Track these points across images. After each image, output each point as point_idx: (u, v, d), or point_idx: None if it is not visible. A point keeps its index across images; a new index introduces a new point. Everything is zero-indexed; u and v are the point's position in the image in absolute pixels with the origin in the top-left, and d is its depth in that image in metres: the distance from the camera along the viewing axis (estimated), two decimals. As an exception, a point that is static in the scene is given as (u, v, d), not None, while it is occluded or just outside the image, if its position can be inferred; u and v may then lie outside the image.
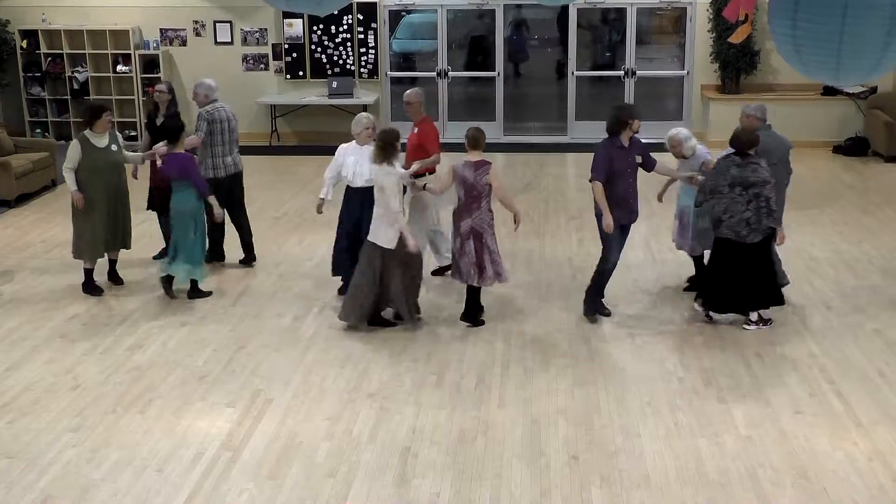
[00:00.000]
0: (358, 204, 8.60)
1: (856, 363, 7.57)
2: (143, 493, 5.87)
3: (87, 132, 8.92)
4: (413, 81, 16.94)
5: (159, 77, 15.62)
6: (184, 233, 8.90)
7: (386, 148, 7.96)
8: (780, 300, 8.20)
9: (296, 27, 15.90)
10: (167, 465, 6.19)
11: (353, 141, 8.74)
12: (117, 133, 9.29)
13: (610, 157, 8.00)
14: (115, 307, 8.86)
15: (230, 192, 9.67)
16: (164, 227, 10.04)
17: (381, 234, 7.98)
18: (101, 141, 8.90)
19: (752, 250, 7.94)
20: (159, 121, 9.83)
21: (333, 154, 8.85)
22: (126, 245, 9.35)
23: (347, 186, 8.72)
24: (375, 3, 15.75)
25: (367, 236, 8.12)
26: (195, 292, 9.03)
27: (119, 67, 15.93)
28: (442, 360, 7.66)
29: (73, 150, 8.87)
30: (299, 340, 8.11)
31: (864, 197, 12.40)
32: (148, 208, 10.02)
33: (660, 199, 9.27)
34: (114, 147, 9.00)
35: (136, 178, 10.05)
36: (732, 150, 8.01)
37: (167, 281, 9.02)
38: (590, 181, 8.11)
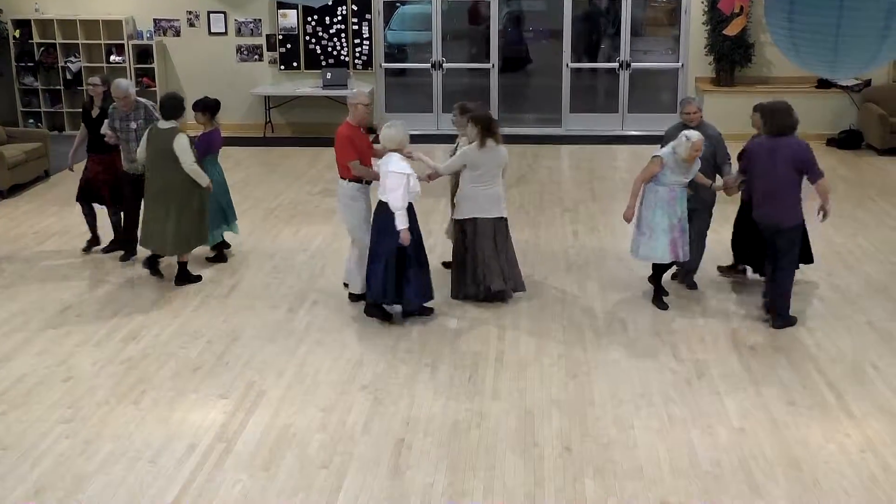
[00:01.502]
0: (415, 217, 8.16)
1: (848, 355, 7.58)
2: (136, 485, 5.86)
3: (178, 124, 8.91)
4: (407, 73, 16.98)
5: (153, 68, 15.61)
6: (230, 197, 9.79)
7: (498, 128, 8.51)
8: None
9: (290, 18, 15.86)
10: (160, 456, 6.18)
11: (397, 155, 7.93)
12: None
13: None
14: (108, 298, 8.84)
15: (138, 186, 9.44)
16: (113, 217, 10.07)
17: (503, 206, 8.54)
18: None
19: None
20: (94, 112, 9.92)
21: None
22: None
23: (410, 205, 7.96)
24: (370, -6, 15.74)
25: (492, 215, 8.43)
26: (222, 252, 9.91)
27: (112, 58, 15.89)
28: (436, 352, 7.65)
29: (187, 142, 8.77)
30: (293, 332, 8.10)
31: (857, 190, 12.42)
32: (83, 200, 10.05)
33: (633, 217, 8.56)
34: None
35: (72, 171, 10.37)
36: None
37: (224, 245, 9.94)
38: (818, 181, 7.77)
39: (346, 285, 8.85)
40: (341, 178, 8.38)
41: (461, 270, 8.59)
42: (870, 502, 5.64)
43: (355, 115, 8.33)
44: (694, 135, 8.09)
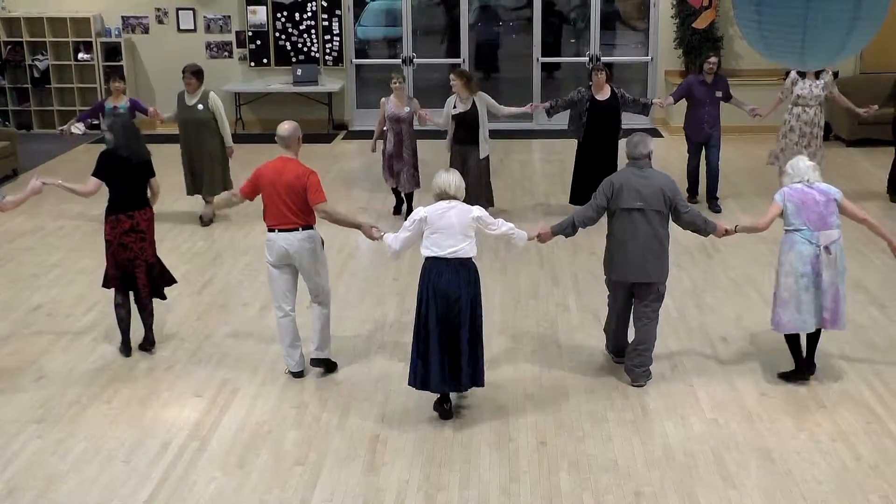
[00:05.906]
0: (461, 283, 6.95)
1: (819, 345, 7.63)
2: (109, 484, 5.83)
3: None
4: (378, 68, 16.94)
5: (122, 65, 15.48)
6: None
7: None
8: None
9: (260, 14, 15.78)
10: (134, 455, 6.14)
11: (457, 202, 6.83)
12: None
13: None
14: (79, 297, 8.77)
15: None
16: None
17: None
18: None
19: None
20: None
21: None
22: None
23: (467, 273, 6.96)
24: (340, -10, 15.68)
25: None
26: None
27: (80, 55, 15.73)
28: (409, 348, 7.63)
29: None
30: (266, 329, 8.06)
31: (826, 181, 12.44)
32: None
33: None
34: (200, 107, 10.66)
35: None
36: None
37: None
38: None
39: (319, 363, 7.26)
40: (300, 225, 6.85)
41: None
42: (841, 491, 5.69)
43: (298, 149, 7.02)
44: None
